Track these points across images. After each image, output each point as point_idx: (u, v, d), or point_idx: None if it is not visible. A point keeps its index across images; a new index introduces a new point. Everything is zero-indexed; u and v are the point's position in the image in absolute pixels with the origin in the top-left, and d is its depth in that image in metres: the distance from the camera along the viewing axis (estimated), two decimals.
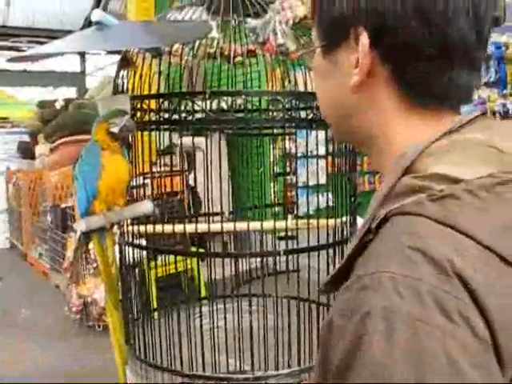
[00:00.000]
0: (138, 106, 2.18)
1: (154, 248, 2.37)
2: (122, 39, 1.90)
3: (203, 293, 4.75)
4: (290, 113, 2.26)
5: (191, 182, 4.57)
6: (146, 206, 2.07)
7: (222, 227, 2.18)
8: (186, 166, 3.93)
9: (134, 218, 2.18)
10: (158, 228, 2.20)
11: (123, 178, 2.04)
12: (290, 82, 2.48)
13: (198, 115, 2.14)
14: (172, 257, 2.54)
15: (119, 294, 2.26)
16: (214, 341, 2.42)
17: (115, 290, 2.19)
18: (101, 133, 2.02)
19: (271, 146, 5.82)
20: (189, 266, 4.32)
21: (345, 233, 2.52)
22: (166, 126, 2.25)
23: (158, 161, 3.48)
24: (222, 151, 2.27)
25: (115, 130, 2.01)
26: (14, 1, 10.57)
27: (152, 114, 2.18)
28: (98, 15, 1.96)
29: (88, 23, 11.46)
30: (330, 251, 2.44)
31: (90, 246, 2.26)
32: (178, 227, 2.17)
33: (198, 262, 4.44)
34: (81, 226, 1.96)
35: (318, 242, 2.35)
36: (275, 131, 3.07)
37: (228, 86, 2.71)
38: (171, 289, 4.18)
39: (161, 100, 2.11)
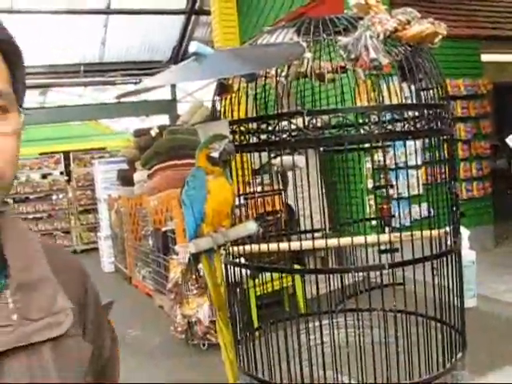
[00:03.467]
0: (237, 129, 2.26)
1: (260, 266, 2.42)
2: (219, 68, 1.99)
3: (304, 309, 4.76)
4: (385, 126, 2.26)
5: (287, 201, 4.62)
6: (251, 226, 2.12)
7: (326, 243, 2.21)
8: (281, 185, 3.98)
9: (239, 238, 2.25)
10: (263, 247, 2.25)
11: (228, 200, 2.11)
12: (383, 94, 2.48)
13: (293, 132, 2.19)
14: (270, 275, 2.58)
15: (228, 313, 2.33)
16: (322, 356, 2.43)
17: (224, 308, 2.26)
18: (202, 158, 2.11)
19: (365, 160, 5.78)
20: (289, 284, 4.36)
21: (448, 243, 2.47)
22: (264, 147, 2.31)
23: (252, 180, 3.56)
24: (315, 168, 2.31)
25: (215, 154, 2.08)
26: (108, 39, 11.20)
27: (251, 135, 2.25)
28: (195, 46, 2.06)
29: (176, 53, 11.94)
30: (434, 262, 2.40)
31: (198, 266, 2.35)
32: (283, 245, 2.21)
33: (302, 279, 4.47)
34: (190, 248, 2.04)
35: (423, 253, 2.32)
36: (371, 144, 3.05)
37: (321, 103, 2.74)
38: (271, 306, 4.23)
39: (259, 122, 2.18)
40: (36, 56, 11.07)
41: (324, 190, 4.71)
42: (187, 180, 2.14)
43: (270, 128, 2.16)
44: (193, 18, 11.47)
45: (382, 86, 2.44)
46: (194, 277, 2.27)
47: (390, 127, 2.26)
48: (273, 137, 2.16)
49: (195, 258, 2.15)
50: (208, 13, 9.83)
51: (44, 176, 13.18)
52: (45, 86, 13.27)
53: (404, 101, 2.34)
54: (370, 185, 6.12)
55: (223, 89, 2.29)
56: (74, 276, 0.92)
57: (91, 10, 10.55)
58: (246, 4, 9.66)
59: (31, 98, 14.11)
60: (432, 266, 2.40)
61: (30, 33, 10.20)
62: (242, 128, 2.27)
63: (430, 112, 2.33)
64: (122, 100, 14.11)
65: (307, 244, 2.24)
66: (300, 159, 2.58)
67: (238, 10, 8.71)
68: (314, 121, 2.13)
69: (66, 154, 13.43)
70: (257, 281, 2.84)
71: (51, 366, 0.77)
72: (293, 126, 2.13)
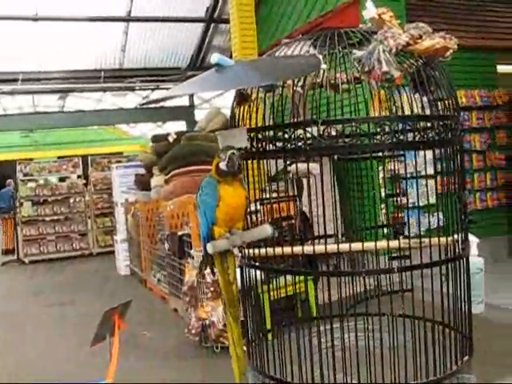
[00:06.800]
0: (255, 136, 2.36)
1: (274, 269, 2.50)
2: (240, 79, 2.09)
3: (315, 313, 4.83)
4: (397, 136, 2.34)
5: (302, 207, 4.71)
6: (267, 230, 2.23)
7: (337, 247, 2.30)
8: (295, 192, 4.08)
9: (255, 240, 2.34)
10: (278, 250, 2.34)
11: (240, 204, 2.22)
12: (395, 105, 2.57)
13: (308, 141, 2.28)
14: (283, 280, 2.67)
15: (239, 310, 2.42)
16: (333, 358, 2.50)
17: (235, 305, 2.36)
18: (214, 168, 2.24)
19: (379, 168, 5.84)
20: (302, 289, 4.45)
21: (457, 250, 2.54)
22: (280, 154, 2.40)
23: (267, 187, 3.65)
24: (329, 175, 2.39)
25: (223, 165, 2.20)
26: (128, 45, 11.40)
27: (267, 143, 2.35)
28: (216, 58, 2.17)
29: (194, 60, 12.11)
30: (442, 269, 2.48)
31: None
32: (297, 248, 2.30)
33: (315, 283, 4.55)
34: (208, 248, 2.15)
35: (431, 259, 2.40)
36: (383, 154, 3.13)
37: (335, 112, 2.83)
38: (285, 311, 4.30)
39: (276, 130, 2.28)
40: (57, 61, 11.29)
41: (338, 198, 4.79)
42: (202, 185, 2.26)
43: (286, 136, 2.26)
44: (212, 26, 11.63)
45: (395, 97, 2.53)
46: (206, 273, 2.38)
47: (401, 137, 2.35)
48: (289, 145, 2.26)
49: (209, 256, 2.26)
50: (227, 21, 9.97)
51: (62, 179, 13.39)
52: (65, 91, 13.49)
53: (416, 112, 2.43)
54: (383, 193, 6.19)
55: (242, 98, 2.39)
56: None
57: (112, 17, 10.75)
58: (265, 13, 9.79)
59: (51, 103, 14.36)
60: (440, 272, 2.48)
61: (53, 39, 10.43)
62: (259, 135, 2.37)
63: (441, 123, 2.42)
64: (140, 106, 14.34)
65: (320, 248, 2.33)
66: (314, 167, 2.67)
67: (256, 19, 8.82)
68: (329, 130, 2.22)
69: (84, 157, 13.63)
70: (270, 286, 2.93)
71: None
72: (308, 135, 2.23)
